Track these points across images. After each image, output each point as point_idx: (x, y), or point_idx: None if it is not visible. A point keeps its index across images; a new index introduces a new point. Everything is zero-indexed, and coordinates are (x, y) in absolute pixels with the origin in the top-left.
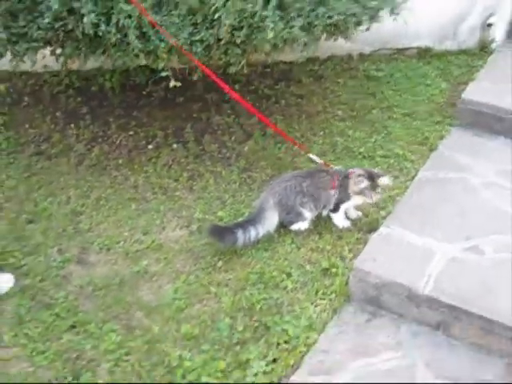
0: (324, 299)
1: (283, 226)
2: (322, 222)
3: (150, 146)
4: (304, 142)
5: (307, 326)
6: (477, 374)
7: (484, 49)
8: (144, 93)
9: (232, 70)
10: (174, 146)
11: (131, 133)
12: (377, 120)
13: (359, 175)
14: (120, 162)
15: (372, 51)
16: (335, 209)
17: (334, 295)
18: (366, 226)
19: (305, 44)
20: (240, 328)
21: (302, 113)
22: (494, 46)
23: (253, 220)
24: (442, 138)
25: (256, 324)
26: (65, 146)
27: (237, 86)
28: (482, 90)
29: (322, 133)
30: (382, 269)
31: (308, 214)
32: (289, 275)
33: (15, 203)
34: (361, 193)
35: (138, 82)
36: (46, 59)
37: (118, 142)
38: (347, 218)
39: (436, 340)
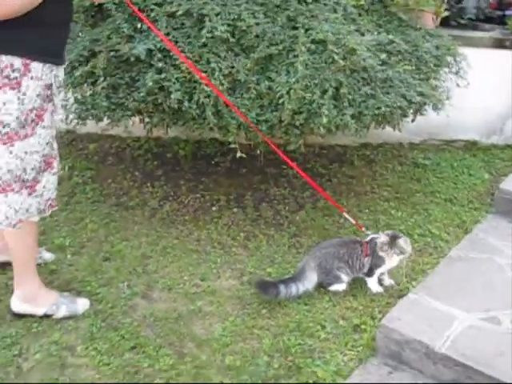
0: (352, 350)
1: (323, 287)
2: (357, 285)
3: (213, 208)
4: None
5: (335, 371)
6: None
7: None
8: (212, 162)
9: (291, 147)
10: (235, 210)
11: (198, 195)
12: (419, 203)
13: (385, 234)
14: (186, 218)
15: (421, 141)
16: (369, 273)
17: (361, 348)
18: (397, 292)
19: (356, 130)
20: (276, 365)
21: (351, 191)
22: None
23: (294, 278)
24: (477, 222)
25: (290, 364)
26: (141, 200)
27: (295, 163)
28: None
29: (367, 210)
30: (405, 328)
31: (344, 277)
32: (323, 327)
33: (95, 243)
34: (382, 249)
35: (209, 153)
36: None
37: (186, 201)
38: (381, 284)
39: None
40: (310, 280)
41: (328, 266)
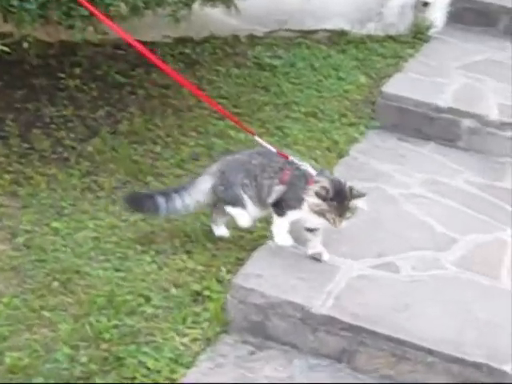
0: (194, 328)
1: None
2: (192, 237)
3: None
4: (171, 143)
5: (171, 358)
6: None
7: (419, 35)
8: None
9: (77, 37)
10: None
11: None
12: (269, 119)
13: (323, 188)
14: None
15: (266, 33)
16: (278, 210)
17: (207, 323)
18: (251, 243)
19: (173, 12)
20: (84, 359)
21: (168, 107)
22: (431, 32)
23: (180, 187)
24: (354, 141)
25: (105, 354)
26: None
27: (78, 70)
28: (409, 83)
29: (194, 133)
30: (268, 285)
31: (248, 203)
32: (148, 299)
33: None
34: (318, 212)
35: None
36: None
37: None
38: (306, 240)
39: (338, 374)
40: (202, 190)
41: (231, 176)
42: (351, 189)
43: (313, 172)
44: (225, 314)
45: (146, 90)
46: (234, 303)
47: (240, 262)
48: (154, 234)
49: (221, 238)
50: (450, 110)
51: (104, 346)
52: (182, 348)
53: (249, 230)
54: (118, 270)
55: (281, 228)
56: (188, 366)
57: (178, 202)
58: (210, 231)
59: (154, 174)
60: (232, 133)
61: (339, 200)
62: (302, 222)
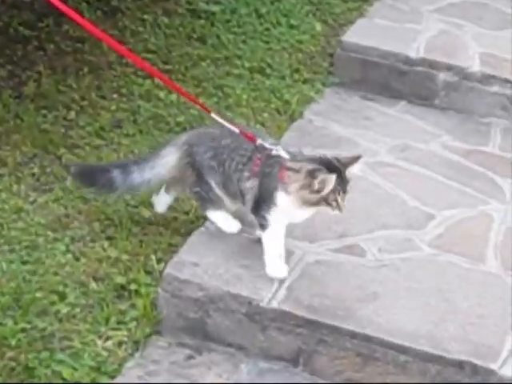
0: (119, 329)
1: None
2: (115, 220)
3: None
4: (87, 108)
5: (92, 367)
6: None
7: None
8: None
9: None
10: None
11: None
12: (206, 77)
13: (315, 171)
14: None
15: None
16: (260, 219)
17: (134, 323)
18: (186, 226)
19: None
20: None
21: (84, 65)
22: None
23: (140, 159)
24: (310, 101)
25: (11, 364)
26: None
27: None
28: (374, 31)
29: (115, 95)
30: (207, 275)
31: (214, 186)
32: (62, 297)
33: None
34: (316, 202)
35: None
36: None
37: None
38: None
39: (294, 380)
40: (166, 163)
41: (198, 156)
42: (337, 159)
43: (286, 156)
44: (156, 311)
45: (56, 44)
46: (166, 298)
47: (173, 248)
48: (68, 218)
49: (150, 221)
50: (424, 62)
51: (10, 353)
52: (104, 354)
53: (184, 211)
54: (25, 263)
55: (272, 253)
56: (113, 376)
57: (137, 177)
58: (137, 213)
59: (68, 146)
60: (161, 94)
61: (339, 174)
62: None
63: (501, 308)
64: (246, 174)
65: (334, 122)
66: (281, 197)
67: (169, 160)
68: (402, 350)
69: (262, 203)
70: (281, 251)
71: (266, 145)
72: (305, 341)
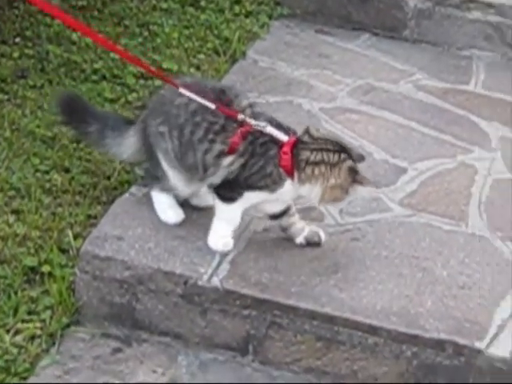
0: (31, 321)
1: None
2: (21, 190)
3: None
4: None
5: (0, 367)
6: None
7: None
8: None
9: None
10: None
11: None
12: (129, 13)
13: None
14: None
15: None
16: (228, 193)
17: (48, 313)
18: (107, 193)
19: None
20: None
21: None
22: None
23: (116, 127)
24: (254, 39)
25: None
26: None
27: None
28: None
29: (18, 38)
30: (134, 251)
31: (162, 158)
32: None
33: None
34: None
35: None
36: None
37: None
38: (284, 229)
39: (243, 372)
40: (127, 142)
41: (152, 126)
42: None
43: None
44: (74, 297)
45: None
46: (85, 281)
47: (93, 221)
48: None
49: (64, 189)
50: None
51: None
52: (14, 351)
53: (104, 175)
54: None
55: (226, 222)
56: (24, 376)
57: (112, 144)
58: (48, 180)
59: None
60: (74, 36)
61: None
62: (259, 208)
63: (488, 276)
64: (219, 146)
65: (282, 61)
66: (285, 186)
67: (128, 140)
68: (371, 330)
69: (243, 183)
70: (236, 223)
71: (252, 122)
72: (254, 325)
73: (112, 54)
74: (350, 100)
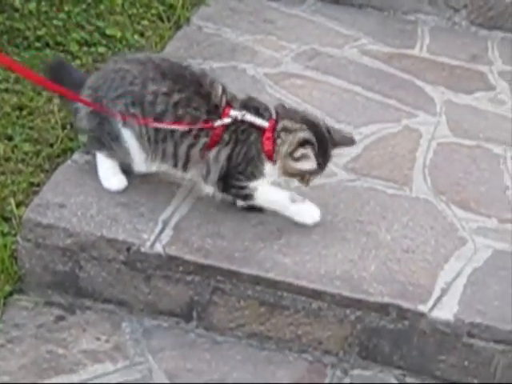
0: None
1: None
2: None
3: None
4: None
5: None
6: None
7: None
8: None
9: None
10: None
11: None
12: None
13: (304, 141)
14: None
15: None
16: (236, 192)
17: None
18: (50, 161)
19: None
20: None
21: None
22: None
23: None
24: (199, 4)
25: None
26: None
27: None
28: None
29: None
30: (76, 218)
31: (129, 137)
32: None
33: None
34: (295, 175)
35: None
36: None
37: None
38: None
39: (187, 338)
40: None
41: (108, 98)
42: (329, 130)
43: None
44: (16, 265)
45: None
46: (28, 248)
47: (35, 188)
48: None
49: (6, 157)
50: None
51: None
52: None
53: (47, 143)
54: None
55: (278, 207)
56: None
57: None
58: None
59: None
60: (17, 2)
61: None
62: None
63: (432, 239)
64: (204, 140)
65: (227, 27)
66: (266, 166)
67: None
68: (315, 295)
69: (235, 173)
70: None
71: (232, 113)
72: (197, 291)
73: (55, 21)
74: (295, 65)
